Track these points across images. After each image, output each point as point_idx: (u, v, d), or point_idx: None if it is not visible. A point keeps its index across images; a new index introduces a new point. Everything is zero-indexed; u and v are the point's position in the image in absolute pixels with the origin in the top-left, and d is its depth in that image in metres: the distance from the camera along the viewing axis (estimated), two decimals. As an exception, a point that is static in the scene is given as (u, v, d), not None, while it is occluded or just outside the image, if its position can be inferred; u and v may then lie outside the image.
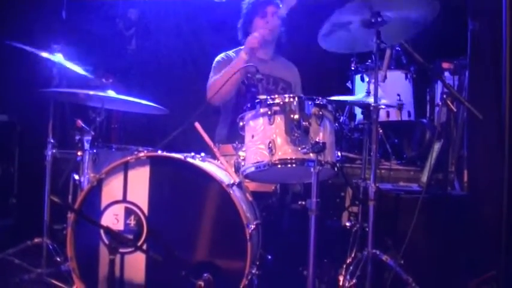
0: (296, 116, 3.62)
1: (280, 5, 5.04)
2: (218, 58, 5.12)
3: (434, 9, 3.92)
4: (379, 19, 3.91)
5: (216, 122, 5.15)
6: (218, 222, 3.70)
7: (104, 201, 3.78)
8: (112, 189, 3.78)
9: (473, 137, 4.93)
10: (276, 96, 3.73)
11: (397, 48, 5.78)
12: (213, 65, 5.08)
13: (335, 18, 3.94)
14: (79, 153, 4.15)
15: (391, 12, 3.94)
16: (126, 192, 3.77)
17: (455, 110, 4.53)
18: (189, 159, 3.77)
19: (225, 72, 4.75)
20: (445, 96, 4.44)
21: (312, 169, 3.52)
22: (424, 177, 4.58)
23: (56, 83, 4.54)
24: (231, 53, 5.13)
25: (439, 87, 5.78)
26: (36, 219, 4.60)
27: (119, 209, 3.76)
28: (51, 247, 4.45)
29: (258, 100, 3.77)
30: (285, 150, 3.62)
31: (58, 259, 4.39)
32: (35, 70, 4.82)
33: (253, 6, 5.10)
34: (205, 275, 3.52)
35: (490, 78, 4.59)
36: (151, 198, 3.74)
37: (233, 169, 3.99)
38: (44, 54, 4.19)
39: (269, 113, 3.68)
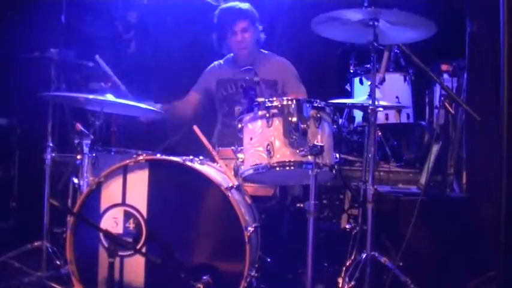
0: (294, 119, 3.63)
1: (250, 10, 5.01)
2: (205, 71, 5.25)
3: (431, 29, 3.94)
4: (376, 23, 3.93)
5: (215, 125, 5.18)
6: (217, 225, 3.71)
7: (103, 205, 3.79)
8: (111, 192, 3.79)
9: (472, 138, 4.93)
10: (274, 98, 3.74)
11: (395, 50, 5.78)
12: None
13: (333, 14, 3.94)
14: (78, 156, 4.15)
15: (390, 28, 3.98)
16: (125, 196, 3.78)
17: (453, 112, 4.54)
18: (188, 163, 3.78)
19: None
20: (443, 98, 4.45)
21: (310, 171, 3.52)
22: (423, 179, 4.59)
23: (55, 87, 4.55)
24: (217, 63, 5.22)
25: (438, 90, 5.77)
26: (36, 223, 4.60)
27: (118, 212, 3.77)
28: (51, 250, 4.45)
29: (256, 103, 3.78)
30: (283, 153, 3.63)
31: (58, 262, 4.39)
32: (34, 73, 4.83)
33: (222, 23, 5.02)
34: (204, 277, 3.52)
35: (488, 79, 4.60)
36: (150, 202, 3.75)
37: (232, 172, 3.99)
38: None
39: (267, 115, 3.68)
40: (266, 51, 5.18)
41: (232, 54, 5.16)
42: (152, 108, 4.30)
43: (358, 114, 5.72)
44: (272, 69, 5.02)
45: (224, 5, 5.09)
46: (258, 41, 5.10)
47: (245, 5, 5.02)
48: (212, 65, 5.24)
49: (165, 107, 4.84)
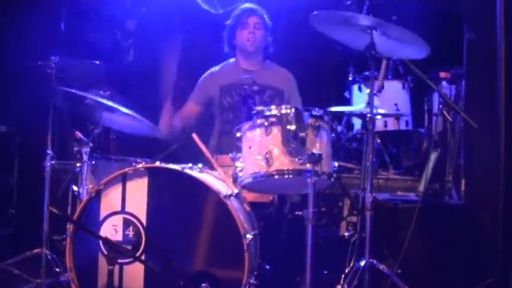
0: (293, 127, 3.64)
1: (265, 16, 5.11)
2: (201, 78, 5.27)
3: (424, 50, 3.96)
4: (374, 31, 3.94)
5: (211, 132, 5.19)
6: (216, 232, 3.72)
7: (103, 212, 3.81)
8: (111, 200, 3.81)
9: (470, 146, 4.93)
10: (273, 107, 3.75)
11: (393, 58, 5.79)
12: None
13: (333, 14, 3.95)
14: (78, 164, 4.16)
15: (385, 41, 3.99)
16: (124, 203, 3.79)
17: (450, 119, 4.54)
18: (187, 170, 3.79)
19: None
20: (441, 106, 4.46)
21: (308, 180, 3.53)
22: (421, 187, 4.60)
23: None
24: (214, 70, 5.25)
25: (436, 97, 5.77)
26: (35, 230, 4.60)
27: (118, 219, 3.78)
28: (50, 258, 4.44)
29: (254, 111, 3.79)
30: (282, 161, 3.64)
31: (57, 270, 4.39)
32: (33, 81, 4.83)
33: (235, 18, 5.16)
34: (203, 285, 3.53)
35: (486, 86, 4.61)
36: (149, 209, 3.76)
37: (231, 180, 4.00)
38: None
39: (266, 124, 3.70)
40: (269, 61, 5.25)
41: (232, 60, 5.18)
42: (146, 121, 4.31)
43: (357, 121, 5.71)
44: (279, 78, 5.13)
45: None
46: (266, 48, 5.17)
47: (262, 10, 5.17)
48: (209, 72, 5.26)
49: (164, 129, 4.91)
